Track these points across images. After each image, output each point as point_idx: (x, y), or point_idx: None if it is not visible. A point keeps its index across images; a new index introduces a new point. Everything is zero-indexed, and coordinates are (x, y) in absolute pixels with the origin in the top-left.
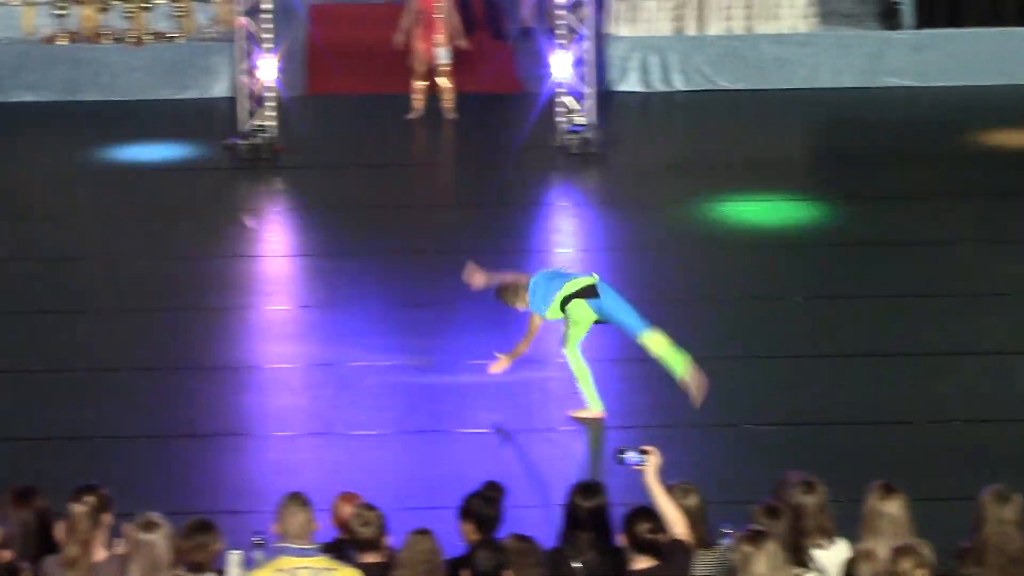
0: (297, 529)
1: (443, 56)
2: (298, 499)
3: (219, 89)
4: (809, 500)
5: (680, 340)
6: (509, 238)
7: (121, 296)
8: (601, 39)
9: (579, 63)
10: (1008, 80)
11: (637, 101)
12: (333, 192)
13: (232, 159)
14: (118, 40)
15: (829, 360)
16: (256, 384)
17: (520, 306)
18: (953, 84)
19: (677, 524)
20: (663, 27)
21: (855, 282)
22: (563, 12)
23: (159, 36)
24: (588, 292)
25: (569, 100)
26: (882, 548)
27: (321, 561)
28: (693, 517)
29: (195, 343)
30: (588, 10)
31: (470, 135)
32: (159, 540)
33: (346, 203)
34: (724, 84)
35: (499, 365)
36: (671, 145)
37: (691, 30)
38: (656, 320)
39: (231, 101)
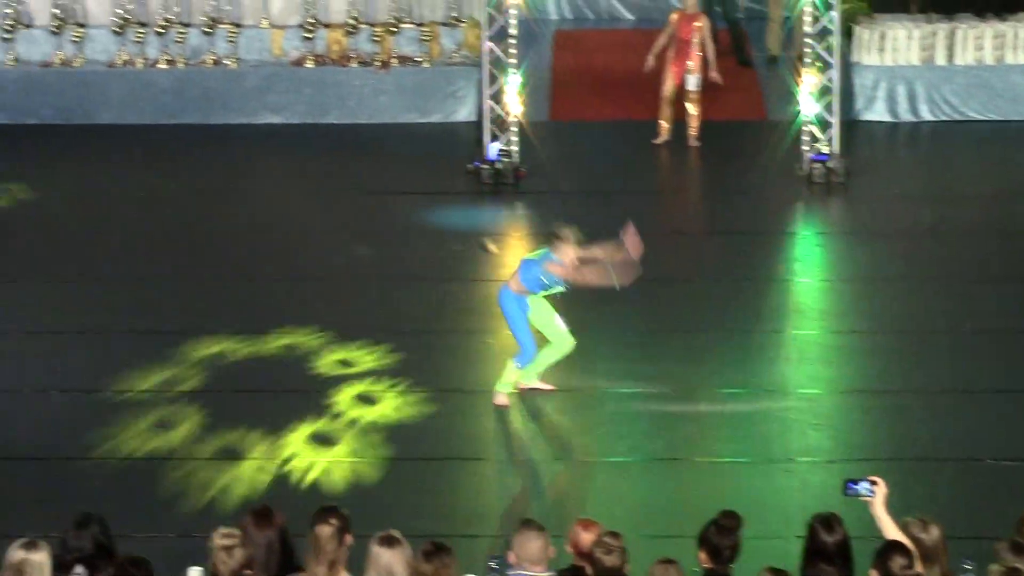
0: (533, 555)
1: (693, 83)
2: (534, 525)
3: (464, 113)
4: None
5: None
6: (751, 266)
7: (356, 314)
8: (848, 68)
9: (825, 92)
10: None
11: (883, 131)
12: (575, 217)
13: (475, 183)
14: (364, 63)
15: None
16: (493, 408)
17: None
18: None
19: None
20: (911, 56)
21: None
22: (810, 40)
23: (405, 60)
24: None
25: (814, 129)
26: None
27: None
28: (934, 551)
29: (431, 367)
30: (835, 39)
31: (714, 162)
32: (398, 558)
33: (589, 228)
34: (972, 115)
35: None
36: (916, 176)
37: (940, 60)
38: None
39: (475, 125)
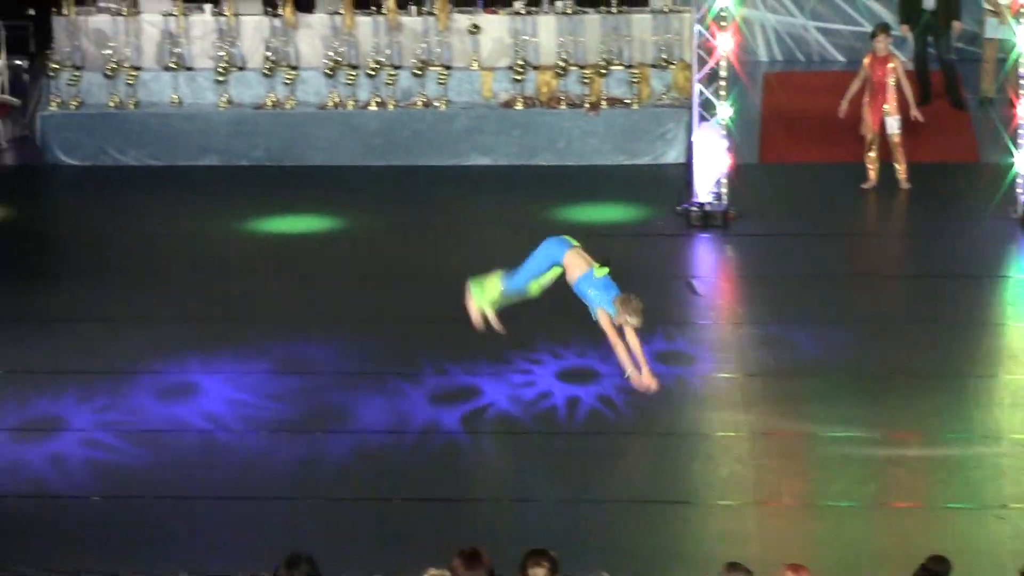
0: None
1: (894, 125)
2: (741, 569)
3: (673, 155)
4: None
5: None
6: (964, 310)
7: (562, 357)
8: None
9: None
10: None
11: None
12: (784, 260)
13: (684, 225)
14: (574, 105)
15: None
16: (703, 452)
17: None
18: None
19: None
20: None
21: None
22: None
23: (614, 102)
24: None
25: None
26: None
27: None
28: None
29: (639, 407)
30: None
31: (924, 204)
32: None
33: (797, 271)
34: None
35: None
36: None
37: None
38: None
39: (684, 167)
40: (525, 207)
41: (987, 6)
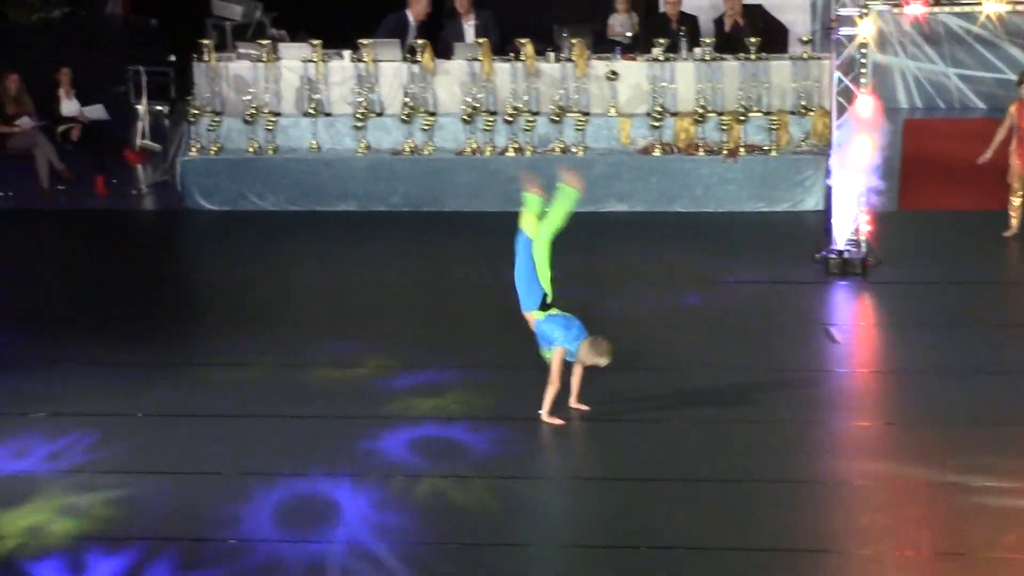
0: None
1: None
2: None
3: (811, 202)
4: None
5: None
6: None
7: (707, 405)
8: None
9: None
10: None
11: None
12: (923, 308)
13: (822, 273)
14: (711, 152)
15: None
16: (841, 500)
17: None
18: None
19: None
20: None
21: None
22: None
23: (753, 148)
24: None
25: None
26: None
27: None
28: None
29: (778, 455)
30: None
31: None
32: None
33: (936, 319)
34: None
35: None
36: None
37: None
38: None
39: (822, 215)
40: (662, 254)
41: None
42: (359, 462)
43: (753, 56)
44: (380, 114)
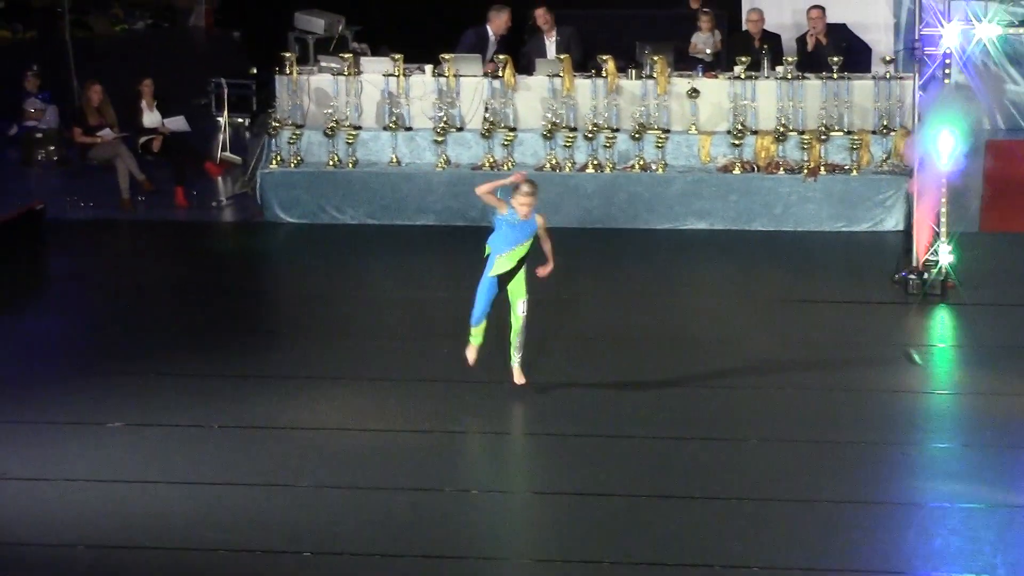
0: None
1: None
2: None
3: (891, 223)
4: None
5: None
6: None
7: (784, 426)
8: None
9: None
10: None
11: None
12: (1004, 330)
13: (902, 294)
14: (791, 171)
15: None
16: (916, 522)
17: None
18: None
19: None
20: None
21: None
22: None
23: (833, 168)
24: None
25: None
26: None
27: None
28: None
29: (856, 477)
30: None
31: None
32: None
33: (1016, 341)
34: None
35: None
36: None
37: None
38: None
39: (903, 235)
40: (741, 273)
41: None
42: (433, 478)
43: (835, 75)
44: (460, 129)
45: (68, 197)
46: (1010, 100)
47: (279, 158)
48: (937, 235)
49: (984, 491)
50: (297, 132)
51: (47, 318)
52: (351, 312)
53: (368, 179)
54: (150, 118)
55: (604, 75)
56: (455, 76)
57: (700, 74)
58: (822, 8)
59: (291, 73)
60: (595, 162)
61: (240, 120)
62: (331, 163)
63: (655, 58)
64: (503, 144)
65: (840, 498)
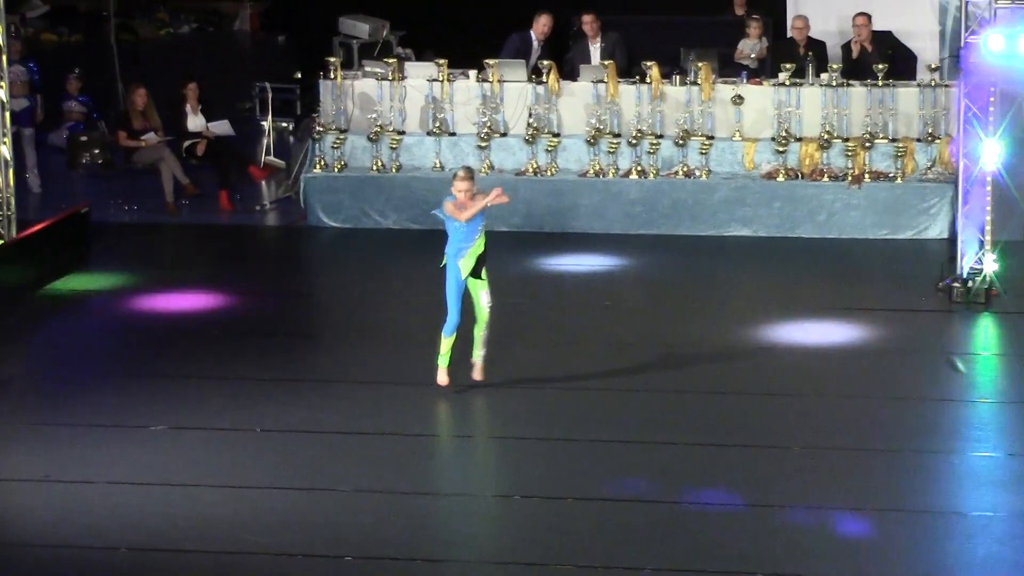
0: None
1: None
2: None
3: (935, 231)
4: None
5: None
6: None
7: (826, 433)
8: None
9: None
10: None
11: None
12: None
13: (946, 301)
14: (836, 178)
15: None
16: (960, 531)
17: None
18: None
19: None
20: None
21: None
22: None
23: (878, 175)
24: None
25: None
26: None
27: None
28: None
29: (899, 486)
30: None
31: None
32: None
33: None
34: None
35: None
36: None
37: None
38: None
39: (947, 243)
40: (784, 279)
41: None
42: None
43: (880, 82)
44: (504, 134)
45: (113, 200)
46: None
47: (323, 162)
48: (981, 242)
49: None
50: (341, 137)
51: (91, 321)
52: (393, 316)
53: (411, 184)
54: (194, 122)
55: (648, 81)
56: (499, 81)
57: (744, 80)
58: (868, 15)
59: (335, 78)
60: (639, 168)
61: (284, 124)
62: (374, 168)
63: (700, 64)
64: (547, 150)
65: (883, 506)
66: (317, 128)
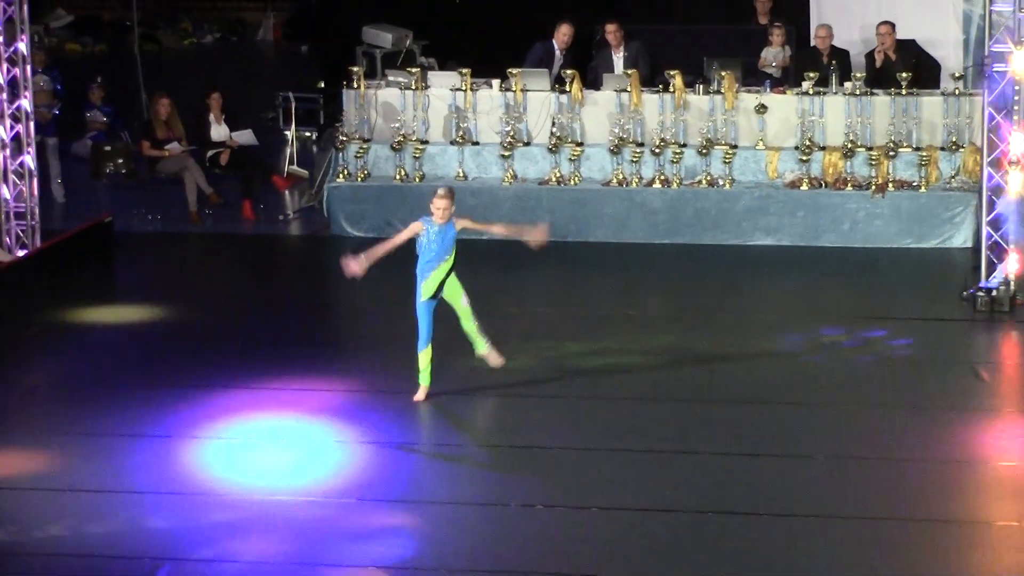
0: None
1: None
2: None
3: (959, 239)
4: None
5: None
6: None
7: (849, 443)
8: None
9: None
10: None
11: None
12: None
13: (970, 310)
14: (859, 187)
15: None
16: (983, 541)
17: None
18: None
19: None
20: None
21: None
22: None
23: (901, 184)
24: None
25: None
26: None
27: None
28: None
29: (922, 496)
30: None
31: None
32: None
33: None
34: None
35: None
36: None
37: None
38: None
39: (972, 252)
40: (808, 288)
41: None
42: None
43: (904, 91)
44: (527, 143)
45: (136, 210)
46: None
47: (346, 172)
48: (1001, 251)
49: None
50: (364, 146)
51: (114, 330)
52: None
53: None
54: (218, 131)
55: (672, 90)
56: (522, 91)
57: (768, 89)
58: (891, 24)
59: (359, 87)
60: (662, 177)
61: (307, 134)
62: (398, 177)
63: (723, 73)
64: (570, 159)
65: (906, 516)
66: (340, 137)
